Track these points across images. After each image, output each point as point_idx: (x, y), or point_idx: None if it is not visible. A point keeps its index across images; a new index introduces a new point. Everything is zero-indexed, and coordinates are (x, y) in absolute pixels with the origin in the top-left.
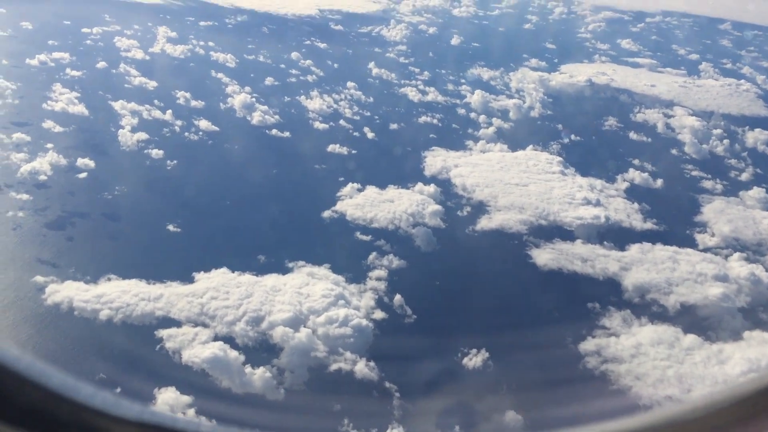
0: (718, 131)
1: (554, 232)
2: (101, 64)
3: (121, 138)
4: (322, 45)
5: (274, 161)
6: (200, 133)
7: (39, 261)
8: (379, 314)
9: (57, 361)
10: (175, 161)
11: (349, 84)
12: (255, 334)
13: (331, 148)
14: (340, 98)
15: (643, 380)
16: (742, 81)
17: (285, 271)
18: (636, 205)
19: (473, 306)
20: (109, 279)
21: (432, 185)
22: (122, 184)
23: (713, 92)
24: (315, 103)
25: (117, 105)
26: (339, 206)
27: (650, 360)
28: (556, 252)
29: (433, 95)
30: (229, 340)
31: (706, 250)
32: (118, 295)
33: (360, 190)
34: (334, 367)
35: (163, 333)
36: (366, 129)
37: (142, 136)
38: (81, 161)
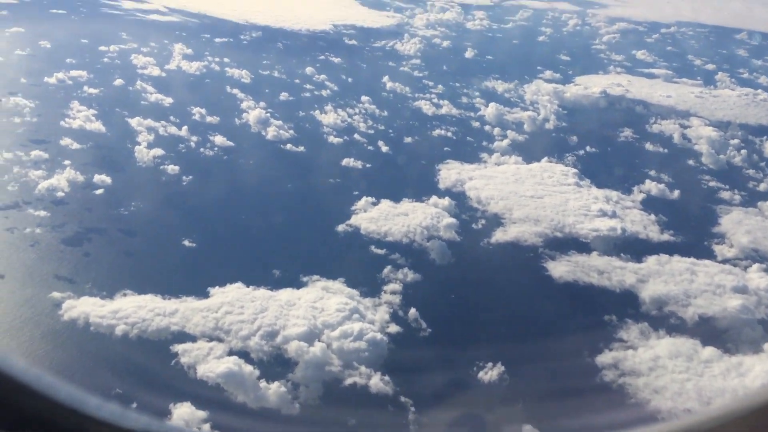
0: (736, 141)
1: (570, 244)
2: (118, 82)
3: (137, 154)
4: (337, 60)
5: (288, 175)
6: (215, 148)
7: (56, 277)
8: (393, 328)
9: (73, 377)
10: (190, 176)
11: (364, 98)
12: (269, 349)
13: (345, 162)
14: (355, 112)
15: (661, 393)
16: (759, 90)
17: (299, 285)
18: (653, 217)
19: (488, 319)
20: (125, 294)
21: (446, 198)
22: (138, 200)
23: (730, 102)
24: (329, 117)
25: (133, 122)
26: (353, 220)
27: (669, 373)
28: (572, 264)
29: (447, 108)
30: (243, 354)
31: (724, 261)
32: (134, 310)
33: (374, 204)
34: (348, 381)
35: (178, 348)
36: (380, 143)
37: (158, 152)
38: (98, 177)
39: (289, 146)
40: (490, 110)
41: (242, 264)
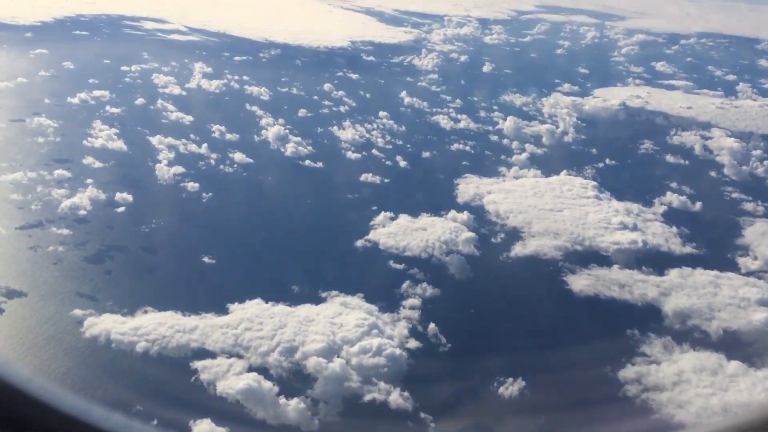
0: (758, 152)
1: (590, 257)
2: (140, 101)
3: (158, 172)
4: (355, 76)
5: (307, 191)
6: (235, 165)
7: (78, 294)
8: (413, 343)
9: (94, 394)
10: (210, 193)
11: (382, 113)
12: (289, 365)
13: (363, 177)
14: (373, 128)
15: (685, 408)
16: None
17: (318, 301)
18: (674, 229)
19: (509, 334)
20: (146, 311)
21: (465, 212)
22: (159, 217)
23: (752, 113)
24: (347, 133)
25: (154, 140)
26: (372, 235)
27: (693, 388)
28: (592, 278)
29: (465, 122)
30: (263, 371)
31: (748, 273)
32: (154, 327)
33: (393, 219)
34: (368, 397)
35: (198, 364)
36: (398, 158)
37: (179, 169)
38: (119, 195)
39: (307, 162)
40: (509, 124)
41: (261, 280)
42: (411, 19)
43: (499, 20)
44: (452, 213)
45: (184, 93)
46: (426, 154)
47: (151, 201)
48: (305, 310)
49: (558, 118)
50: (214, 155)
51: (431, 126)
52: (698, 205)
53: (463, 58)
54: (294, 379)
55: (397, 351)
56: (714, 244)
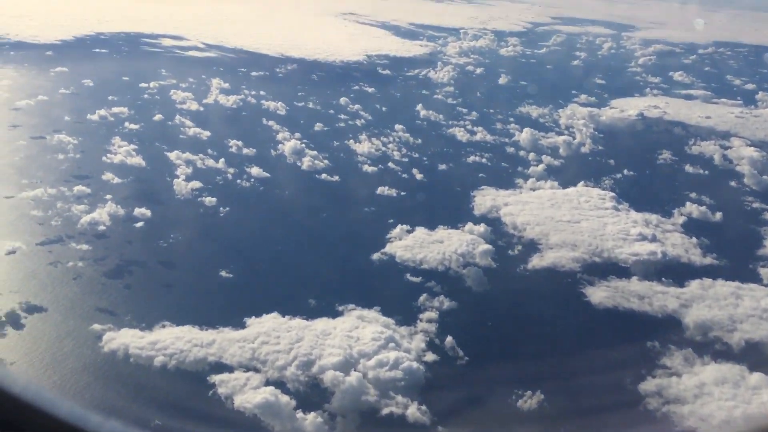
0: None
1: (609, 269)
2: (158, 117)
3: (175, 187)
4: (370, 89)
5: (323, 205)
6: (252, 179)
7: (98, 309)
8: (430, 357)
9: (113, 408)
10: (227, 208)
11: (397, 127)
12: (306, 379)
13: (380, 190)
14: (389, 141)
15: (708, 421)
16: None
17: (335, 314)
18: (694, 240)
19: (527, 346)
20: (164, 326)
21: (482, 225)
22: (177, 232)
23: None
24: (363, 146)
25: (172, 155)
26: (388, 248)
27: (715, 400)
28: (611, 290)
29: (481, 135)
30: (280, 384)
31: None
32: (172, 341)
33: (409, 232)
34: (385, 410)
35: (215, 378)
36: (414, 170)
37: (196, 184)
38: (138, 211)
39: (324, 176)
40: (525, 135)
41: (278, 294)
42: (427, 32)
43: (515, 32)
44: (469, 225)
45: (201, 109)
46: (442, 167)
47: (169, 216)
48: (322, 323)
49: (575, 129)
50: (231, 170)
51: (447, 138)
52: (718, 215)
53: (479, 70)
54: (311, 393)
55: (415, 364)
56: (735, 255)
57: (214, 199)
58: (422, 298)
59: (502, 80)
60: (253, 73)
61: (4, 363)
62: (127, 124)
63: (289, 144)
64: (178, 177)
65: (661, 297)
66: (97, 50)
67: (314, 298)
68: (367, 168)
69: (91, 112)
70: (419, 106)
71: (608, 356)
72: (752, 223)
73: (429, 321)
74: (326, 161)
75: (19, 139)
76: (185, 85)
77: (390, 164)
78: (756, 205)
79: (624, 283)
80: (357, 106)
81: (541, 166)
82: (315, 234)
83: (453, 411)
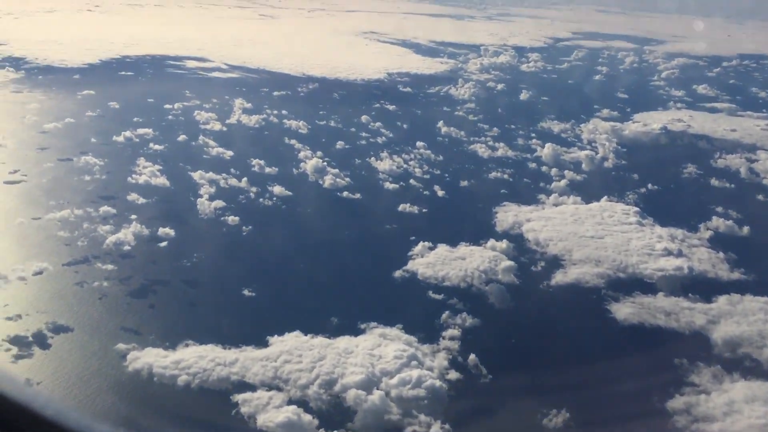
0: None
1: (634, 285)
2: (182, 137)
3: (199, 206)
4: (391, 107)
5: (345, 223)
6: (274, 198)
7: (122, 329)
8: (453, 375)
9: (137, 428)
10: (250, 227)
11: (419, 144)
12: (328, 398)
13: (401, 207)
14: (410, 158)
15: None
16: None
17: (357, 332)
18: (721, 255)
19: (551, 364)
20: (187, 345)
21: (504, 241)
22: (200, 251)
23: None
24: (385, 164)
25: (196, 175)
26: (410, 265)
27: (745, 418)
28: (636, 306)
29: (503, 150)
30: (303, 403)
31: None
32: (195, 360)
33: (431, 249)
34: (408, 430)
35: (238, 398)
36: (436, 187)
37: (219, 203)
38: (162, 230)
39: (345, 194)
40: (547, 151)
41: (300, 312)
42: (447, 49)
43: (536, 48)
44: (491, 242)
45: (224, 129)
46: (464, 183)
47: (193, 235)
48: (344, 341)
49: (597, 144)
50: (253, 189)
51: (469, 155)
52: (746, 229)
53: (500, 86)
54: (334, 412)
55: (437, 383)
56: (763, 270)
57: (237, 218)
58: (445, 315)
59: (524, 96)
60: (276, 93)
61: (30, 383)
62: (151, 144)
63: (310, 162)
64: (201, 196)
65: (688, 313)
66: (123, 73)
67: (336, 316)
68: (389, 185)
69: (116, 133)
70: (440, 123)
71: (635, 373)
72: None
73: (452, 338)
74: (348, 179)
75: (47, 161)
76: (209, 105)
77: (411, 181)
78: None
79: (650, 299)
80: (378, 124)
81: (563, 182)
82: (337, 252)
83: (476, 430)
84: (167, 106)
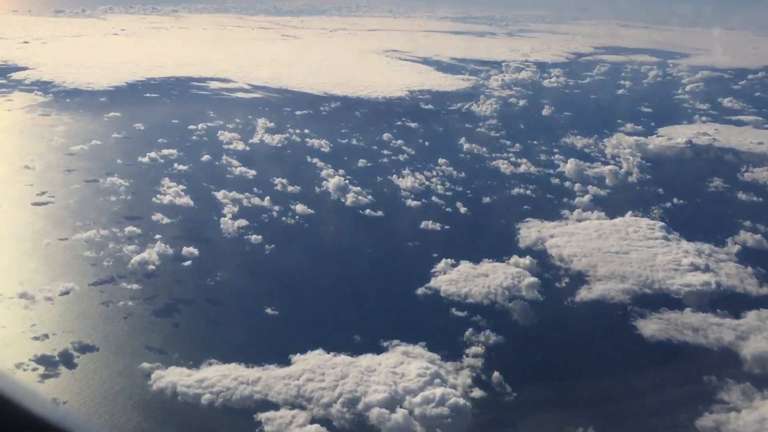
0: None
1: (660, 300)
2: (205, 157)
3: (222, 225)
4: (413, 125)
5: (367, 240)
6: (296, 216)
7: (147, 348)
8: (477, 393)
9: None
10: (273, 245)
11: (441, 161)
12: (351, 416)
13: (423, 224)
14: (432, 175)
15: None
16: None
17: (380, 350)
18: (750, 269)
19: (577, 382)
20: (211, 363)
21: (527, 257)
22: (224, 270)
23: None
24: (407, 181)
25: (219, 194)
26: (433, 282)
27: None
28: (663, 322)
29: (525, 166)
30: (326, 422)
31: None
32: (219, 379)
33: (454, 266)
34: None
35: (261, 416)
36: (458, 204)
37: (242, 222)
38: (186, 250)
39: (367, 211)
40: (570, 166)
41: (323, 330)
42: (468, 66)
43: (558, 63)
44: (514, 258)
45: (247, 148)
46: (486, 200)
47: (216, 254)
48: (367, 359)
49: (621, 159)
50: (276, 207)
51: (491, 171)
52: None
53: (521, 102)
54: (357, 431)
55: (461, 401)
56: None
57: (259, 237)
58: (468, 332)
59: (546, 111)
60: (298, 112)
61: (57, 402)
62: (176, 165)
63: (333, 180)
64: (224, 216)
65: (716, 329)
66: (148, 95)
67: (359, 334)
68: (411, 202)
69: (142, 154)
70: (462, 140)
71: (663, 391)
72: None
73: (475, 356)
74: (370, 197)
75: (73, 183)
76: (232, 125)
77: (433, 198)
78: None
79: (677, 315)
80: (400, 142)
81: (587, 197)
82: (359, 269)
83: None
84: (191, 126)
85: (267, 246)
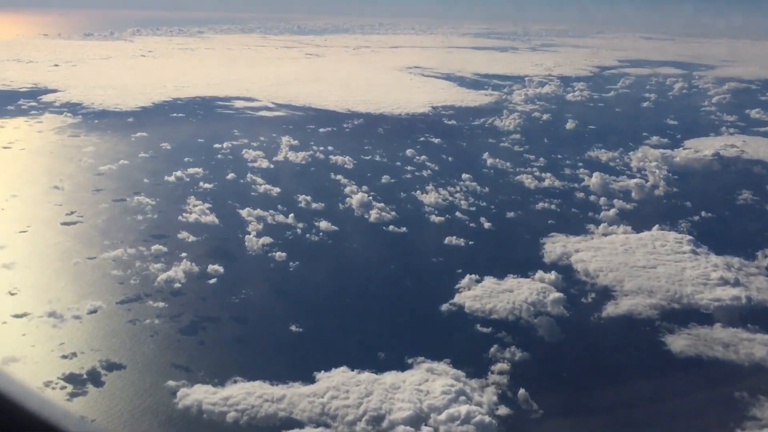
0: None
1: (689, 316)
2: (230, 176)
3: (247, 243)
4: (436, 140)
5: (391, 257)
6: (321, 233)
7: (173, 365)
8: (503, 410)
9: None
10: (297, 262)
11: (464, 176)
12: None
13: (447, 240)
14: (456, 190)
15: None
16: None
17: (404, 367)
18: None
19: (604, 398)
20: (236, 381)
21: (553, 272)
22: (249, 288)
23: None
24: (430, 197)
25: (244, 212)
26: (457, 298)
27: None
28: (693, 337)
29: (549, 181)
30: None
31: None
32: (244, 396)
33: (478, 281)
34: None
35: None
36: (482, 219)
37: (267, 240)
38: (211, 268)
39: (391, 228)
40: (595, 180)
41: (347, 347)
42: (491, 81)
43: (582, 77)
44: (539, 273)
45: (272, 166)
46: (510, 215)
47: (241, 272)
48: (391, 377)
49: (647, 172)
50: (300, 224)
51: (515, 186)
52: None
53: (545, 116)
54: None
55: (487, 418)
56: None
57: (284, 254)
58: (493, 349)
59: (570, 125)
60: (321, 130)
61: (86, 420)
62: (201, 183)
63: (356, 197)
64: (249, 233)
65: (747, 344)
66: (175, 115)
67: (383, 351)
68: (435, 218)
69: (168, 173)
70: (486, 155)
71: (693, 408)
72: None
73: (501, 373)
74: (393, 213)
75: (101, 203)
76: (256, 144)
77: (457, 214)
78: None
79: (706, 330)
80: (423, 157)
81: (612, 211)
82: (383, 286)
83: None
84: (216, 145)
85: (291, 263)
